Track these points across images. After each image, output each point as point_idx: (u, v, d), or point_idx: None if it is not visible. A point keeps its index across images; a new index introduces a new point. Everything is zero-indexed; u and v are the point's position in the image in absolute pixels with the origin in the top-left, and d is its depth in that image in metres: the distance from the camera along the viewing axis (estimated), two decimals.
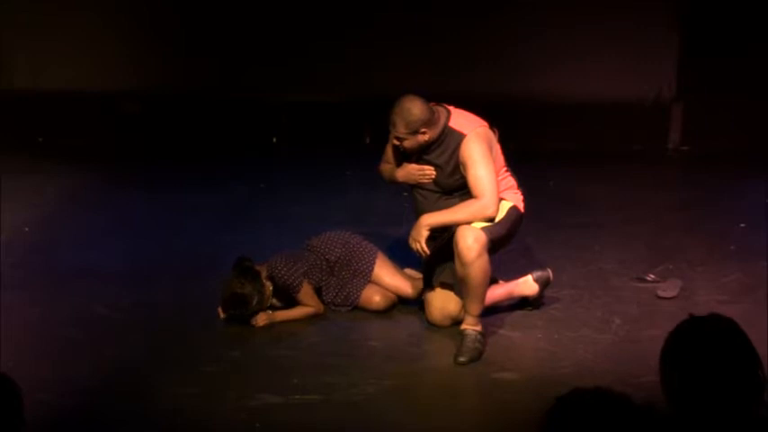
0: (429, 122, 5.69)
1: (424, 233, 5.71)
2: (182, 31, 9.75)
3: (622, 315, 6.11)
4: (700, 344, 2.83)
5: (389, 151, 6.00)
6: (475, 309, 5.70)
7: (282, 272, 6.00)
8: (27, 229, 7.44)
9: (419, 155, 5.81)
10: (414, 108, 5.67)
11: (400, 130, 5.70)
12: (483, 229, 5.61)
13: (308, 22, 9.65)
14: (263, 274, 6.02)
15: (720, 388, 2.76)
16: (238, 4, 9.71)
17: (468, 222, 5.63)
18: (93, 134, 9.54)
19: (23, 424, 2.93)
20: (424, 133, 5.70)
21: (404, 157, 5.89)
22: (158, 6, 9.78)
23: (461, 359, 5.61)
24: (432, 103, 5.77)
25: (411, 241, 5.77)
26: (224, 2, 9.73)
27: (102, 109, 9.69)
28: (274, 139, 9.70)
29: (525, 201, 5.90)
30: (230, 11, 9.67)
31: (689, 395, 2.78)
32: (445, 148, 5.75)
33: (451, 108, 5.82)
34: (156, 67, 9.84)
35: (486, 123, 5.83)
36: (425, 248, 5.72)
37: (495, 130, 5.87)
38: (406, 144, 5.74)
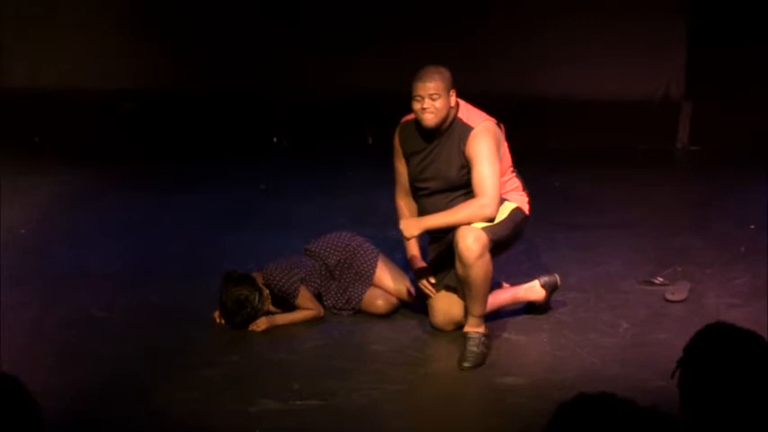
0: (454, 88, 5.62)
1: (416, 233, 5.62)
2: (181, 31, 9.74)
3: (629, 319, 6.05)
4: (730, 348, 2.77)
5: (401, 171, 5.88)
6: (477, 310, 5.61)
7: (278, 278, 5.93)
8: (23, 231, 7.39)
9: (432, 148, 5.68)
10: (446, 70, 5.64)
11: (435, 84, 5.55)
12: (484, 229, 5.52)
13: (309, 22, 9.64)
14: (259, 280, 5.95)
15: (745, 397, 2.69)
16: (239, 4, 9.68)
17: (468, 223, 5.53)
18: (92, 133, 9.52)
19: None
20: (453, 96, 5.62)
21: (417, 160, 5.77)
22: (157, 5, 9.76)
23: (465, 364, 5.54)
24: None
25: (401, 230, 5.66)
26: (224, 1, 9.71)
27: (100, 108, 9.66)
28: (275, 139, 9.67)
29: (530, 202, 5.81)
30: (231, 10, 9.65)
31: (709, 400, 2.71)
32: (454, 140, 5.65)
33: (460, 100, 5.73)
34: (155, 66, 9.82)
35: (493, 119, 5.73)
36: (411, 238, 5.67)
37: (502, 126, 5.77)
38: (438, 104, 5.58)
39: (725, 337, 2.81)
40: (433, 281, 5.82)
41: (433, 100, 5.58)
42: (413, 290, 6.08)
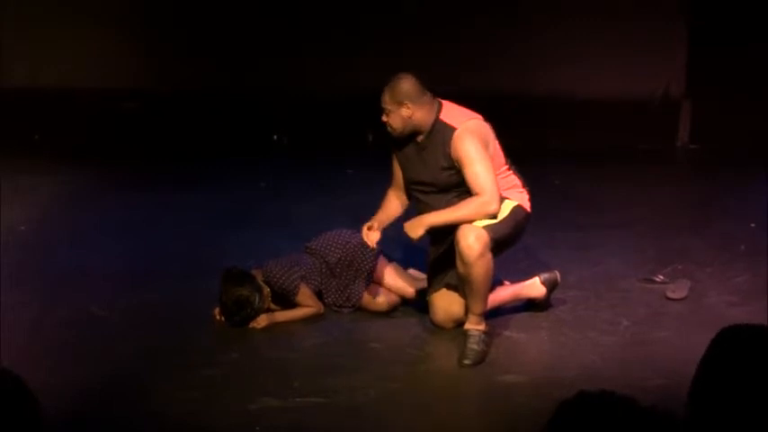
0: (414, 99, 5.58)
1: (420, 232, 5.59)
2: (181, 31, 9.74)
3: (629, 317, 6.05)
4: (752, 355, 2.72)
5: (396, 168, 5.89)
6: (478, 308, 5.60)
7: (278, 276, 5.93)
8: (23, 228, 7.39)
9: (418, 151, 5.70)
10: (403, 82, 5.60)
11: (385, 99, 5.62)
12: (485, 227, 5.50)
13: (309, 22, 9.64)
14: (259, 277, 5.95)
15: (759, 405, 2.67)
16: (239, 4, 9.69)
17: (471, 221, 5.51)
18: (92, 133, 9.53)
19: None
20: (408, 108, 5.58)
21: (406, 163, 5.78)
22: (157, 5, 9.76)
23: (466, 362, 5.53)
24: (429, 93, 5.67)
25: (406, 233, 5.65)
26: (224, 1, 9.72)
27: (100, 108, 9.68)
28: (275, 137, 9.69)
29: (531, 199, 5.79)
30: (231, 10, 9.66)
31: (722, 405, 2.68)
32: (438, 142, 5.64)
33: (444, 102, 5.71)
34: (155, 66, 9.83)
35: (479, 116, 5.70)
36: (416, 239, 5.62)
37: (489, 124, 5.73)
38: (390, 119, 5.63)
39: (742, 343, 2.77)
40: (377, 232, 5.78)
41: (386, 115, 5.65)
42: (414, 288, 6.08)
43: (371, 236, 5.76)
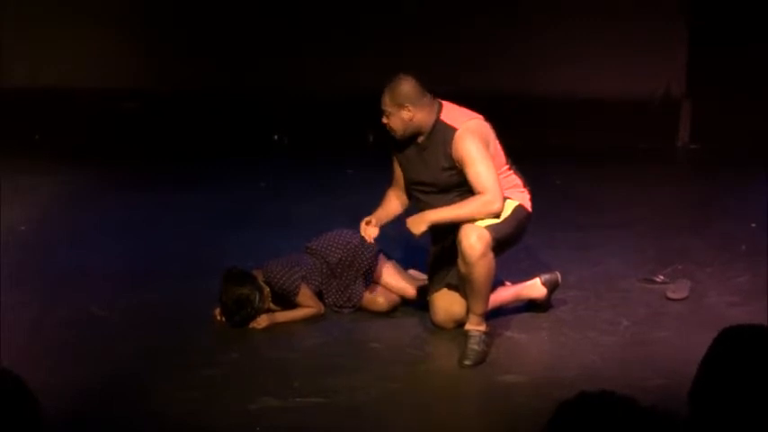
0: (415, 101, 5.57)
1: (423, 228, 5.58)
2: (181, 31, 9.75)
3: (630, 317, 6.05)
4: (754, 355, 2.71)
5: (397, 168, 5.89)
6: (479, 308, 5.60)
7: (278, 276, 5.93)
8: (23, 228, 7.39)
9: (418, 152, 5.70)
10: (403, 84, 5.59)
11: (385, 101, 5.61)
12: (487, 227, 5.50)
13: (309, 22, 9.65)
14: (259, 278, 5.95)
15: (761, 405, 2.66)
16: (239, 4, 9.69)
17: (474, 219, 5.51)
18: (92, 133, 9.54)
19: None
20: (408, 110, 5.58)
21: (407, 164, 5.77)
22: (157, 5, 9.77)
23: (466, 362, 5.52)
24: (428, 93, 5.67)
25: (408, 228, 5.64)
26: (224, 1, 9.72)
27: (100, 108, 9.69)
28: (275, 137, 9.69)
29: (532, 199, 5.79)
30: (231, 10, 9.66)
31: (723, 405, 2.67)
32: (438, 143, 5.63)
33: (444, 102, 5.71)
34: (155, 66, 9.83)
35: (479, 116, 5.70)
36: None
37: (490, 124, 5.73)
38: (391, 121, 5.62)
39: (743, 344, 2.76)
40: (375, 227, 5.77)
41: (386, 117, 5.64)
42: (414, 288, 6.08)
43: (369, 230, 5.76)
